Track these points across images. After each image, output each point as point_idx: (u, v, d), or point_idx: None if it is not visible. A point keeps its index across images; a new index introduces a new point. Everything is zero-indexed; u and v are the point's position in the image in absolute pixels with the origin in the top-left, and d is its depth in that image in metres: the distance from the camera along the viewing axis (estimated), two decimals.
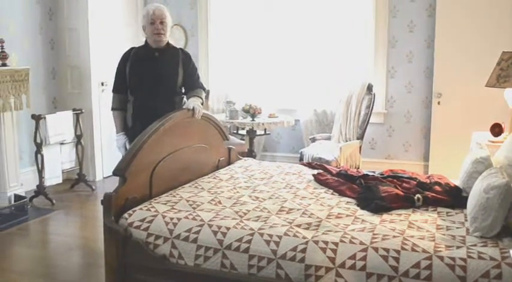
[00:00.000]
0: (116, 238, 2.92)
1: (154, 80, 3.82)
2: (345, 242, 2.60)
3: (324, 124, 6.57)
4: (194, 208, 3.06)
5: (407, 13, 6.19)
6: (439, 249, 2.48)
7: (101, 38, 6.36)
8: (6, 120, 5.13)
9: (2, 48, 5.01)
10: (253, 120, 5.98)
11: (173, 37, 4.32)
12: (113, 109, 3.96)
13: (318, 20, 6.51)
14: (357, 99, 5.85)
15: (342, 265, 2.52)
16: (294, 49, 6.68)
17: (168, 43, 3.93)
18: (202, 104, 3.78)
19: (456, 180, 3.50)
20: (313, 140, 6.14)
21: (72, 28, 6.26)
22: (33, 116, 5.49)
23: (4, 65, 5.02)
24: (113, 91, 3.99)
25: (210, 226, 2.82)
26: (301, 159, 5.67)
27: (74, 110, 5.98)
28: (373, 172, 3.86)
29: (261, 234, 2.71)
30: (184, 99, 3.96)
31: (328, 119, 6.53)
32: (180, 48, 4.03)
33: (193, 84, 3.91)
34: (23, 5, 5.79)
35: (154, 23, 3.79)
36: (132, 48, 4.00)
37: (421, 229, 2.73)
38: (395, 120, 6.41)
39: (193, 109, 3.66)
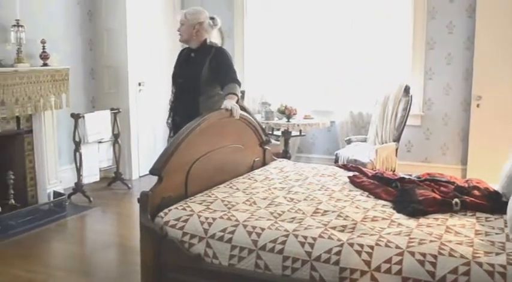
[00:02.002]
0: (152, 237, 2.95)
1: (182, 81, 4.04)
2: (380, 245, 2.57)
3: (359, 126, 6.52)
4: (229, 208, 3.07)
5: (446, 14, 6.08)
6: (477, 255, 2.43)
7: (138, 39, 6.45)
8: (47, 119, 5.26)
9: (43, 49, 5.13)
10: (288, 121, 5.97)
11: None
12: (169, 104, 4.26)
13: (355, 20, 6.46)
14: (394, 101, 5.78)
15: (377, 269, 2.50)
16: (330, 50, 6.64)
17: (204, 42, 4.01)
18: (237, 101, 3.80)
19: (495, 185, 3.42)
20: (349, 141, 6.10)
21: (110, 29, 6.36)
22: (72, 115, 5.60)
23: (45, 64, 5.14)
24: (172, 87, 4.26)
25: (245, 226, 2.83)
26: (336, 161, 5.63)
27: (111, 109, 6.07)
28: (410, 175, 3.81)
29: (296, 236, 2.70)
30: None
31: (364, 121, 6.48)
32: (215, 46, 4.07)
33: (224, 79, 3.92)
34: (63, 6, 5.91)
35: None
36: (183, 49, 4.25)
37: (459, 234, 2.68)
38: (432, 122, 6.31)
39: (231, 109, 3.68)
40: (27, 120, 5.16)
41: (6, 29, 4.89)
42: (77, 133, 5.60)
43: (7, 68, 4.76)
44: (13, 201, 4.87)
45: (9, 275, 3.83)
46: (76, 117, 5.60)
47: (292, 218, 2.93)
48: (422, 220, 2.89)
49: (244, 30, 6.96)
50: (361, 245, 2.58)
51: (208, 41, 4.06)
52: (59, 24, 5.80)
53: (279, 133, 6.24)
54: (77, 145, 5.63)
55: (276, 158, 4.52)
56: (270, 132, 6.29)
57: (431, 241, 2.56)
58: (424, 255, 2.47)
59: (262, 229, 2.79)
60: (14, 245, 4.41)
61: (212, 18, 4.04)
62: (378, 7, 6.37)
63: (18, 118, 5.04)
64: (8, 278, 3.78)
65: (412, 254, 2.48)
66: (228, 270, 2.78)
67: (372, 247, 2.56)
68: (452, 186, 3.41)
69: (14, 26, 4.85)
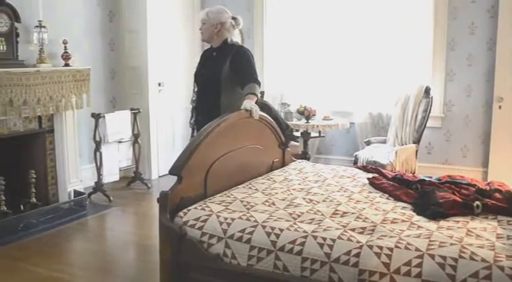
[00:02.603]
0: (171, 236, 2.97)
1: (202, 80, 4.06)
2: (400, 247, 2.55)
3: (379, 127, 6.48)
4: (248, 209, 3.07)
5: (467, 14, 6.01)
6: (499, 258, 2.40)
7: (159, 40, 6.49)
8: (68, 118, 5.32)
9: (65, 49, 5.19)
10: (307, 122, 5.96)
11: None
12: (191, 103, 4.28)
13: (374, 21, 6.42)
14: (414, 102, 5.74)
15: (397, 271, 2.48)
16: (349, 51, 6.61)
17: (225, 42, 4.03)
18: (257, 101, 3.79)
19: None
20: (368, 143, 6.06)
21: (131, 30, 6.41)
22: (93, 115, 5.65)
23: (67, 65, 5.20)
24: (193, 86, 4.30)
25: (264, 227, 2.83)
26: (355, 162, 5.61)
27: (131, 109, 6.12)
28: (430, 177, 3.77)
29: (315, 237, 2.70)
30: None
31: (384, 122, 6.44)
32: (236, 45, 4.07)
33: (244, 79, 3.91)
34: (85, 7, 5.98)
35: None
36: (206, 49, 4.28)
37: (480, 237, 2.65)
38: (453, 124, 6.25)
39: (250, 110, 3.68)
40: (49, 119, 5.22)
41: (29, 30, 4.96)
42: (97, 133, 5.66)
43: (29, 68, 4.83)
44: (34, 200, 4.93)
45: (30, 272, 3.89)
46: (97, 117, 5.65)
47: (311, 219, 2.92)
48: (442, 223, 2.87)
49: (263, 31, 6.97)
50: (381, 247, 2.57)
51: (229, 40, 4.06)
52: (81, 25, 5.86)
53: (298, 134, 6.23)
54: (97, 145, 5.68)
55: (295, 159, 4.52)
56: (289, 133, 6.28)
57: (451, 244, 2.54)
58: (444, 258, 2.44)
59: (281, 230, 2.79)
60: (35, 243, 4.47)
61: (234, 18, 4.05)
62: (398, 7, 6.32)
63: (40, 118, 5.11)
64: (29, 275, 3.83)
65: (432, 256, 2.46)
66: (246, 270, 2.79)
67: (391, 249, 2.55)
68: (473, 189, 3.38)
69: (37, 26, 4.92)
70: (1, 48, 4.68)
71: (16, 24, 4.80)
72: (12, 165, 5.08)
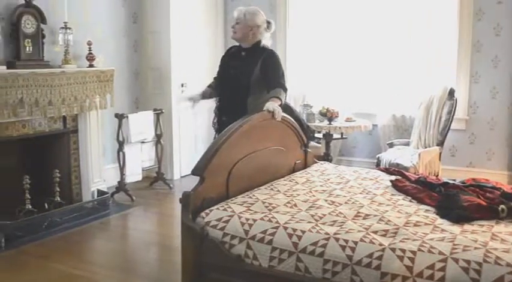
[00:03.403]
0: (193, 236, 2.98)
1: (231, 79, 4.03)
2: (423, 251, 2.52)
3: (402, 129, 6.43)
4: (270, 210, 3.07)
5: (493, 15, 5.93)
6: None
7: (182, 40, 6.53)
8: (92, 118, 5.38)
9: (89, 50, 5.25)
10: (330, 123, 5.94)
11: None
12: (208, 86, 4.32)
13: (399, 22, 6.38)
14: (438, 104, 5.68)
15: (420, 275, 2.45)
16: (373, 52, 6.57)
17: (257, 43, 4.01)
18: (280, 105, 3.79)
19: None
20: (391, 145, 6.02)
21: (155, 31, 6.46)
22: (116, 115, 5.70)
23: (91, 66, 5.26)
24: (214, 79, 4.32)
25: (286, 228, 2.83)
26: (378, 164, 5.57)
27: (154, 110, 6.16)
28: (454, 180, 3.73)
29: (337, 239, 2.69)
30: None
31: (407, 124, 6.38)
32: (268, 49, 4.06)
33: (271, 83, 3.92)
34: (109, 9, 6.04)
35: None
36: (231, 47, 4.27)
37: (505, 242, 2.61)
38: (478, 127, 6.17)
39: (273, 111, 3.68)
40: (73, 119, 5.29)
41: (54, 31, 5.03)
42: (120, 133, 5.71)
43: (55, 69, 4.89)
44: (59, 199, 4.99)
45: (53, 269, 3.94)
46: (120, 117, 5.70)
47: (333, 221, 2.91)
48: (466, 226, 2.83)
49: (286, 32, 6.96)
50: (403, 250, 2.54)
51: (262, 43, 4.05)
52: (105, 26, 5.93)
53: (320, 136, 6.21)
54: (121, 145, 5.73)
55: (317, 161, 4.50)
56: (311, 135, 6.27)
57: (476, 248, 2.50)
58: (468, 262, 2.41)
59: (303, 232, 2.78)
60: (58, 241, 4.53)
61: (268, 22, 4.05)
62: (423, 8, 6.26)
63: (64, 118, 5.17)
64: (52, 273, 3.88)
65: (456, 260, 2.43)
66: (268, 271, 2.78)
67: (414, 252, 2.52)
68: (498, 192, 3.32)
69: (62, 28, 4.99)
70: (28, 49, 4.75)
71: (42, 25, 4.87)
72: (38, 165, 5.15)
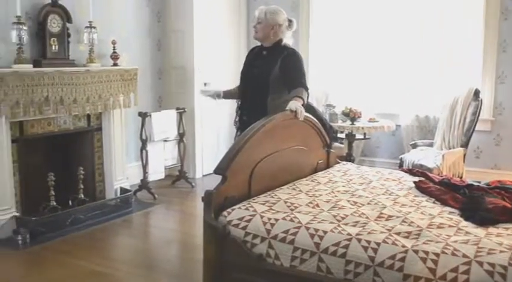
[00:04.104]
0: (215, 235, 2.98)
1: (250, 78, 4.04)
2: (446, 253, 2.49)
3: (426, 130, 6.37)
4: (292, 210, 3.06)
5: None
6: None
7: (205, 39, 6.55)
8: (116, 117, 5.43)
9: (114, 49, 5.30)
10: (352, 124, 5.91)
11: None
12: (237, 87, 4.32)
13: (422, 21, 6.31)
14: (463, 105, 5.62)
15: (443, 277, 2.42)
16: (396, 52, 6.52)
17: (279, 42, 4.01)
18: (303, 104, 3.77)
19: None
20: (414, 146, 5.97)
21: (178, 30, 6.50)
22: (139, 114, 5.75)
23: (115, 64, 5.31)
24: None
25: (307, 229, 2.82)
26: (400, 165, 5.52)
27: (177, 108, 6.19)
28: (479, 182, 3.68)
29: (359, 240, 2.67)
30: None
31: (431, 125, 6.32)
32: (288, 48, 4.05)
33: (292, 83, 3.89)
34: (134, 8, 6.10)
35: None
36: (254, 47, 4.27)
37: None
38: (503, 128, 6.07)
39: (295, 111, 3.67)
40: (97, 118, 5.35)
41: (79, 30, 5.09)
42: (143, 131, 5.75)
43: (80, 68, 4.96)
44: (82, 196, 5.04)
45: (76, 265, 3.99)
46: (143, 116, 5.74)
47: (355, 222, 2.89)
48: (491, 229, 2.79)
49: (309, 31, 6.94)
50: (427, 252, 2.52)
51: (283, 41, 4.04)
52: (129, 25, 5.98)
53: (343, 136, 6.18)
54: (144, 143, 5.77)
55: (339, 161, 4.48)
56: (334, 135, 6.24)
57: (501, 251, 2.46)
58: (493, 265, 2.37)
59: (325, 232, 2.77)
60: (81, 238, 4.59)
61: (290, 21, 4.04)
62: (447, 8, 6.19)
63: (89, 116, 5.24)
64: (75, 269, 3.93)
65: (481, 264, 2.40)
66: (289, 271, 2.78)
67: (437, 255, 2.49)
68: None
69: (87, 27, 5.04)
70: (53, 48, 4.81)
71: (68, 25, 4.93)
72: (62, 162, 5.22)
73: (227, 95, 4.30)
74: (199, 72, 6.52)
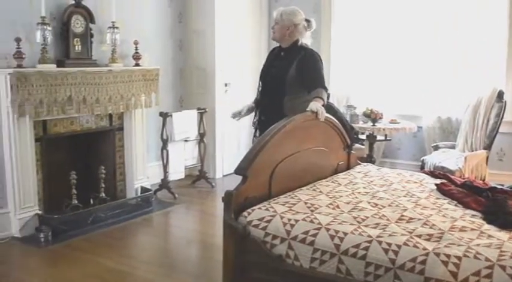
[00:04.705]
0: (235, 235, 2.99)
1: (267, 79, 4.07)
2: (468, 256, 2.47)
3: (448, 132, 6.30)
4: (312, 211, 3.06)
5: None
6: None
7: (226, 40, 6.57)
8: (137, 116, 5.47)
9: (136, 49, 5.33)
10: (373, 125, 5.87)
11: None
12: (254, 100, 4.29)
13: (444, 22, 6.24)
14: (486, 106, 5.55)
15: (465, 281, 2.40)
16: (418, 53, 6.46)
17: (295, 43, 4.00)
18: (323, 105, 3.76)
19: None
20: (436, 148, 5.90)
21: (199, 30, 6.52)
22: (161, 114, 5.78)
23: (137, 65, 5.35)
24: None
25: (328, 230, 2.81)
26: (422, 167, 5.48)
27: (198, 109, 6.21)
28: (502, 185, 3.64)
29: (380, 242, 2.65)
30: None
31: (453, 127, 6.25)
32: (306, 48, 4.05)
33: (311, 83, 3.89)
34: (156, 9, 6.15)
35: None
36: (274, 48, 4.29)
37: None
38: None
39: (316, 111, 3.66)
40: (119, 117, 5.39)
41: (102, 30, 5.13)
42: (164, 131, 5.79)
43: (102, 68, 5.00)
44: (103, 195, 5.09)
45: (96, 263, 4.03)
46: (164, 115, 5.77)
47: (376, 223, 2.87)
48: None
49: (330, 32, 6.92)
50: (448, 256, 2.49)
51: (300, 42, 4.04)
52: (151, 25, 6.02)
53: (363, 137, 6.15)
54: (164, 143, 5.81)
55: (360, 162, 4.46)
56: (355, 136, 6.21)
57: None
58: None
59: (345, 233, 2.75)
60: (102, 236, 4.63)
61: (308, 21, 4.03)
62: (470, 7, 6.11)
63: (110, 115, 5.28)
64: (96, 267, 3.97)
65: (503, 267, 2.37)
66: (309, 272, 2.77)
67: (459, 258, 2.47)
68: None
69: (110, 27, 5.08)
70: (77, 49, 4.87)
71: (91, 25, 4.97)
72: (84, 161, 5.27)
73: (250, 110, 4.30)
74: (220, 72, 6.53)
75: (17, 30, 4.44)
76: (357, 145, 5.74)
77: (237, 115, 4.29)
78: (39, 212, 4.63)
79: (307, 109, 3.65)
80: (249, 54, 6.89)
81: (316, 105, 3.66)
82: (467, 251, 2.50)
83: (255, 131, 4.21)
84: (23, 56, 4.35)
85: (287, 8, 4.06)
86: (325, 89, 3.88)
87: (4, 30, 4.39)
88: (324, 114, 3.69)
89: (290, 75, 3.90)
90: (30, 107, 4.39)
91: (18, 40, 4.31)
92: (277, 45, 4.16)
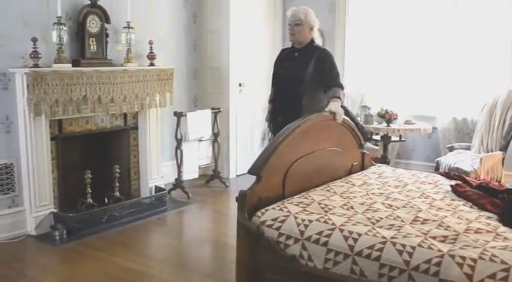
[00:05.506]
0: (249, 235, 2.99)
1: (284, 79, 4.06)
2: (484, 259, 2.45)
3: (463, 133, 6.24)
4: (326, 211, 3.05)
5: None
6: None
7: (240, 40, 6.57)
8: (151, 116, 5.48)
9: (151, 49, 5.35)
10: (388, 125, 5.84)
11: None
12: (268, 102, 4.35)
13: (460, 22, 6.19)
14: (502, 107, 5.49)
15: None
16: (433, 53, 6.41)
17: (310, 43, 4.01)
18: (341, 105, 3.77)
19: None
20: (451, 149, 5.86)
21: (214, 30, 6.53)
22: (175, 113, 5.80)
23: (152, 64, 5.36)
24: (271, 85, 4.32)
25: (342, 231, 2.80)
26: (437, 168, 5.44)
27: (212, 108, 6.23)
28: None
29: (394, 243, 2.64)
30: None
31: (469, 128, 6.20)
32: (320, 48, 4.05)
33: (328, 83, 3.91)
34: (170, 9, 6.17)
35: (289, 25, 4.04)
36: (284, 49, 4.32)
37: None
38: None
39: (335, 113, 3.66)
40: (134, 117, 5.41)
41: (117, 30, 5.16)
42: (179, 131, 5.80)
43: (117, 68, 5.02)
44: (118, 194, 5.12)
45: (111, 262, 4.06)
46: (179, 115, 5.79)
47: (390, 225, 2.86)
48: None
49: (345, 32, 6.89)
50: (463, 258, 2.47)
51: (315, 42, 4.07)
52: (166, 25, 6.04)
53: (378, 138, 6.12)
54: (179, 142, 5.82)
55: (374, 163, 4.44)
56: (369, 136, 6.18)
57: None
58: None
59: (359, 234, 2.75)
60: (117, 235, 4.65)
61: None
62: (483, 7, 6.04)
63: (125, 115, 5.30)
64: (110, 265, 3.99)
65: None
66: (322, 273, 2.77)
67: (474, 260, 2.45)
68: None
69: (125, 27, 5.10)
70: (92, 48, 4.89)
71: (106, 25, 5.00)
72: (99, 160, 5.30)
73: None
74: (234, 72, 6.53)
75: (34, 30, 4.48)
76: (370, 145, 5.73)
77: (266, 137, 4.30)
78: (55, 211, 4.67)
79: (326, 109, 3.65)
80: (263, 54, 6.89)
81: (335, 106, 3.68)
82: (482, 253, 2.48)
83: (270, 133, 4.21)
84: (39, 55, 4.38)
85: (303, 8, 4.05)
86: (342, 87, 3.91)
87: (21, 30, 4.43)
88: (342, 116, 3.71)
89: (308, 75, 3.92)
90: (46, 106, 4.42)
91: (34, 40, 4.34)
92: (286, 46, 4.17)
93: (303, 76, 3.91)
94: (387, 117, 5.85)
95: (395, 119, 5.89)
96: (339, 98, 3.76)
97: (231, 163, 6.66)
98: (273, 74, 4.23)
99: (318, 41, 4.10)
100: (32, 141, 4.47)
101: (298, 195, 3.34)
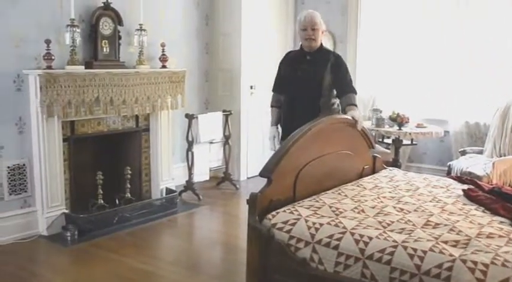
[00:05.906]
0: (259, 238, 2.99)
1: (301, 83, 4.05)
2: (496, 264, 2.42)
3: (475, 137, 6.21)
4: (337, 215, 3.04)
5: None
6: None
7: (252, 43, 6.58)
8: (163, 118, 5.50)
9: (163, 52, 5.38)
10: (400, 129, 5.81)
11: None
12: (271, 106, 4.36)
13: (471, 24, 6.15)
14: None
15: None
16: (445, 56, 6.38)
17: (321, 46, 4.03)
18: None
19: None
20: (463, 153, 5.82)
21: (226, 33, 6.54)
22: (186, 116, 5.82)
23: (164, 67, 5.39)
24: (272, 90, 4.35)
25: (352, 234, 2.79)
26: (448, 172, 5.41)
27: (223, 111, 6.24)
28: None
29: (405, 247, 2.62)
30: (337, 102, 4.06)
31: (481, 132, 6.16)
32: (332, 52, 4.08)
33: (344, 88, 3.94)
34: (183, 12, 6.19)
35: (306, 29, 4.01)
36: (289, 52, 4.33)
37: None
38: None
39: (357, 120, 3.70)
40: (145, 119, 5.43)
41: (130, 33, 5.19)
42: (190, 133, 5.82)
43: (129, 70, 5.05)
44: (129, 195, 5.14)
45: (121, 263, 4.07)
46: (190, 117, 5.81)
47: (401, 229, 2.84)
48: None
49: (357, 35, 6.88)
50: (475, 262, 2.45)
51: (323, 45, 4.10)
52: (178, 28, 6.07)
53: (389, 141, 6.10)
54: (190, 144, 5.84)
55: (386, 167, 4.42)
56: (380, 140, 6.17)
57: None
58: None
59: (370, 238, 2.73)
60: (127, 236, 4.68)
61: None
62: (496, 9, 6.00)
63: (137, 117, 5.32)
64: (121, 266, 4.01)
65: None
66: (333, 277, 2.76)
67: (486, 265, 2.43)
68: None
69: (138, 30, 5.13)
70: (105, 50, 4.93)
71: (119, 27, 5.03)
72: (110, 161, 5.32)
73: (279, 121, 4.31)
74: (246, 75, 6.54)
75: (47, 32, 4.53)
76: (382, 149, 5.70)
77: (274, 145, 4.24)
78: (66, 211, 4.70)
79: (348, 115, 3.69)
80: (274, 57, 6.84)
81: (357, 113, 3.71)
82: (494, 258, 2.46)
83: (275, 137, 4.21)
84: (52, 57, 4.41)
85: (315, 12, 4.06)
86: (356, 92, 3.99)
87: (35, 32, 4.48)
88: (362, 124, 3.73)
89: (326, 78, 3.95)
90: (58, 108, 4.45)
91: (48, 42, 4.38)
92: (291, 50, 4.18)
93: (322, 80, 3.94)
94: (399, 120, 5.82)
95: (407, 122, 5.87)
96: (355, 105, 3.80)
97: (242, 165, 6.66)
98: (282, 77, 4.21)
99: (327, 45, 4.11)
100: (44, 142, 4.50)
101: (309, 198, 3.33)
